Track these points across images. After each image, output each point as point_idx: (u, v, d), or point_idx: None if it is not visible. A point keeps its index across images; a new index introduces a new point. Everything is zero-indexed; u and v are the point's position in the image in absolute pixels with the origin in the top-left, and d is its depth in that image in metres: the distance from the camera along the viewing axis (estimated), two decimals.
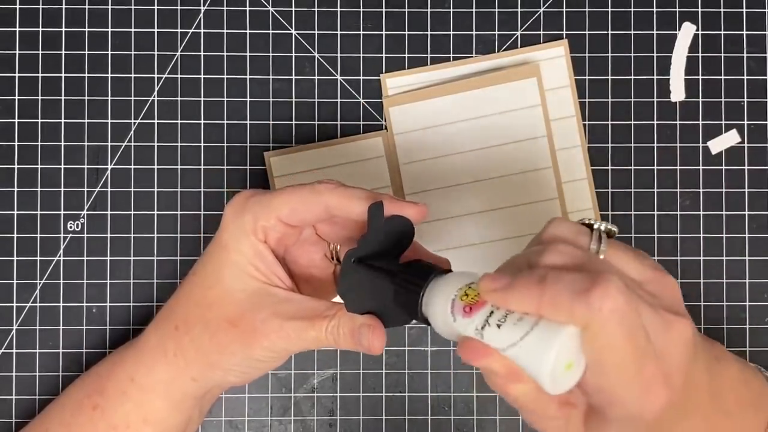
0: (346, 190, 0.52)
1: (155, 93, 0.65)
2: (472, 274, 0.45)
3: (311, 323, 0.51)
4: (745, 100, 0.65)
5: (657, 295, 0.45)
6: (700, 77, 0.65)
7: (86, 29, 0.65)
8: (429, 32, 0.65)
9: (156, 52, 0.65)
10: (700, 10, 0.66)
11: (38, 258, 0.64)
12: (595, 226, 0.45)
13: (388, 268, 0.49)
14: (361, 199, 0.51)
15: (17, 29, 0.65)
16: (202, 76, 0.65)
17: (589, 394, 0.44)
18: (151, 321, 0.56)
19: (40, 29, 0.65)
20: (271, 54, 0.65)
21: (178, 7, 0.65)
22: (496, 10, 0.65)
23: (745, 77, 0.65)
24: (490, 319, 0.42)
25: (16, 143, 0.65)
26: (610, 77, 0.65)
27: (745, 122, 0.65)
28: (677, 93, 0.65)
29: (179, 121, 0.65)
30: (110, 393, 0.56)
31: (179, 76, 0.65)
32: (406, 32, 0.65)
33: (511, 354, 0.41)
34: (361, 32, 0.65)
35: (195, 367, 0.54)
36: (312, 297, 0.53)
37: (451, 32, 0.65)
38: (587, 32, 0.65)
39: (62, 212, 0.65)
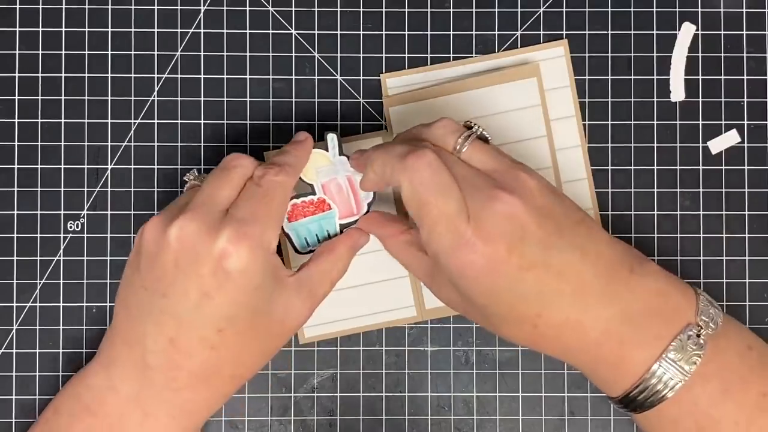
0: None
1: (155, 93, 0.65)
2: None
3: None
4: (745, 100, 0.65)
5: (498, 180, 0.52)
6: (700, 77, 0.65)
7: (86, 29, 0.65)
8: (429, 32, 0.65)
9: (156, 52, 0.65)
10: (700, 10, 0.66)
11: (38, 258, 0.64)
12: (473, 130, 0.54)
13: None
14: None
15: (17, 29, 0.65)
16: (202, 76, 0.65)
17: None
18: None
19: (40, 29, 0.65)
20: (271, 54, 0.65)
21: (178, 7, 0.65)
22: (496, 10, 0.65)
23: (745, 77, 0.65)
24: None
25: (16, 143, 0.65)
26: (610, 77, 0.65)
27: (745, 122, 0.65)
28: (677, 93, 0.65)
29: (179, 121, 0.65)
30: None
31: (179, 76, 0.65)
32: (406, 32, 0.65)
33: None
34: (361, 32, 0.65)
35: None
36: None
37: (451, 32, 0.65)
38: (587, 32, 0.65)
39: (62, 212, 0.65)
